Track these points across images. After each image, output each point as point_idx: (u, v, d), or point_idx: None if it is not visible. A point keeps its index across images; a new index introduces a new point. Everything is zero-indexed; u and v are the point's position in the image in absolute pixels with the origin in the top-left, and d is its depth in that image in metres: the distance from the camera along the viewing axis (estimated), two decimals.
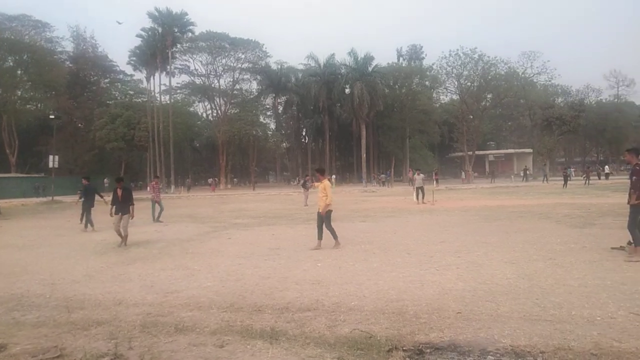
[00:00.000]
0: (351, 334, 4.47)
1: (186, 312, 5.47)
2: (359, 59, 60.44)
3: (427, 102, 63.66)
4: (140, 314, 5.42)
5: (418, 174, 23.85)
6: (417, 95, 63.00)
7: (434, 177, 46.97)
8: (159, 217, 17.14)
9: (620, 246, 8.34)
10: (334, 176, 59.88)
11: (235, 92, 64.65)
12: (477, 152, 61.97)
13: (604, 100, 77.03)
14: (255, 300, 5.85)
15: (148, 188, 19.19)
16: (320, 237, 9.83)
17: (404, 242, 10.33)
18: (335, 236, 9.81)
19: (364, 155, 58.73)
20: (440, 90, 63.68)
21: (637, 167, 7.88)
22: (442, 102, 68.95)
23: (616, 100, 76.99)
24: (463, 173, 57.46)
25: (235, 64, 61.50)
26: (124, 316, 5.36)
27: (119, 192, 11.47)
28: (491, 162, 69.52)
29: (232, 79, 63.04)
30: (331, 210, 9.90)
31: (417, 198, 22.54)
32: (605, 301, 5.25)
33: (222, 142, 59.83)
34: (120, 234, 11.33)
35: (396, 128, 63.26)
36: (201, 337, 4.57)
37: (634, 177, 7.87)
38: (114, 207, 11.49)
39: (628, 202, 8.01)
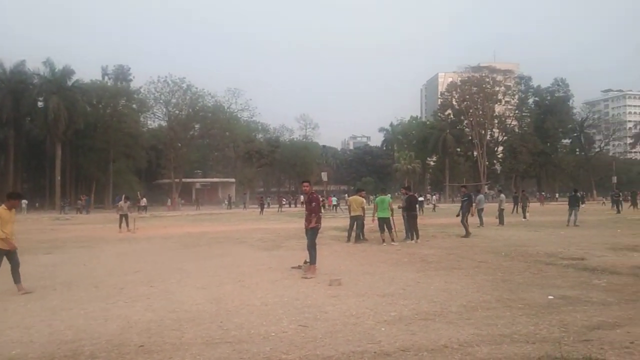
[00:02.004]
0: None
1: None
2: (56, 70, 54.04)
3: (134, 125, 61.08)
4: None
5: (125, 201, 22.52)
6: (124, 117, 59.87)
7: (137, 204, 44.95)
8: None
9: (299, 265, 9.54)
10: (25, 201, 50.39)
11: None
12: (184, 180, 62.78)
13: (295, 139, 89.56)
14: None
15: None
16: None
17: (93, 274, 9.40)
18: None
19: (59, 177, 52.16)
20: (148, 115, 62.43)
21: (313, 195, 9.31)
22: (150, 127, 67.53)
23: (304, 139, 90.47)
24: (169, 200, 57.14)
25: None
26: None
27: None
28: (198, 190, 71.38)
29: None
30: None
31: (120, 226, 21.20)
32: (280, 317, 5.79)
33: None
34: None
35: (99, 150, 58.45)
36: None
37: (313, 203, 9.22)
38: None
39: (305, 227, 9.27)
